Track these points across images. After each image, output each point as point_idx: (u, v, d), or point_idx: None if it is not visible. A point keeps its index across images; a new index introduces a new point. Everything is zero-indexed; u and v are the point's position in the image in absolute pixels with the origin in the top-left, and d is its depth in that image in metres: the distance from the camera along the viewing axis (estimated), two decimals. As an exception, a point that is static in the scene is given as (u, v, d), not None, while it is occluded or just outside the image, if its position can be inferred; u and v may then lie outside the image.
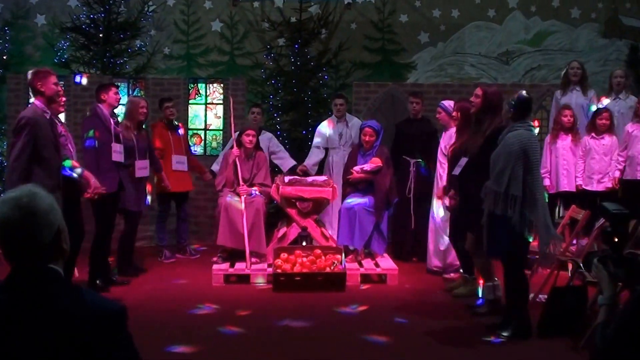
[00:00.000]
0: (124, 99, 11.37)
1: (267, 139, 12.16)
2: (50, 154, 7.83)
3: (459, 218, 8.87)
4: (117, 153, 9.46)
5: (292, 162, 12.23)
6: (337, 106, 12.09)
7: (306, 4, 14.75)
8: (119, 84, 12.60)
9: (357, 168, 10.68)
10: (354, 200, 10.58)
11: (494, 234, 7.44)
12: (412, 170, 11.34)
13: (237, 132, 11.01)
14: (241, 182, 10.64)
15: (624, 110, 11.55)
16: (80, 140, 9.69)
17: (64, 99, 8.74)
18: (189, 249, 11.73)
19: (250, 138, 10.85)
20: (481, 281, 8.70)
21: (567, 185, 11.11)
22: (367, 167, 10.60)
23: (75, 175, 8.55)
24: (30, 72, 8.12)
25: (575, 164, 11.11)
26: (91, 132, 9.37)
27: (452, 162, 8.99)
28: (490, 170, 7.43)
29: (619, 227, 4.18)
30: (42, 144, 7.76)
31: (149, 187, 10.80)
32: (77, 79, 12.10)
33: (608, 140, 11.00)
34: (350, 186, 10.85)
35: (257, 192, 10.74)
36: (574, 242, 9.56)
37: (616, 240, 4.09)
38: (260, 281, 9.98)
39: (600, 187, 11.02)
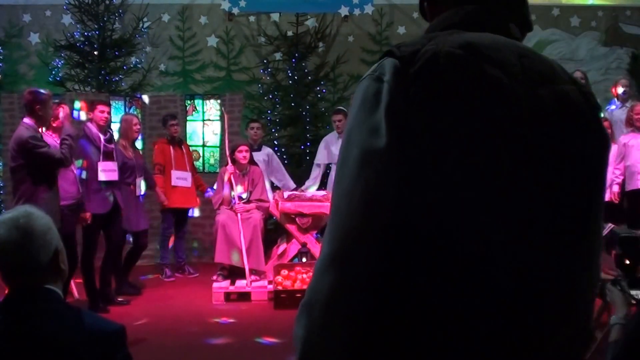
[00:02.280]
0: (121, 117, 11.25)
1: (267, 154, 12.06)
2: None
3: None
4: (106, 172, 9.32)
5: (293, 185, 12.12)
6: (336, 122, 11.98)
7: (303, 17, 14.69)
8: (116, 101, 12.53)
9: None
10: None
11: None
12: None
13: (230, 150, 10.92)
14: (237, 200, 10.58)
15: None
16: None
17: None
18: (187, 268, 11.62)
19: (244, 154, 10.78)
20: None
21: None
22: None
23: (84, 176, 9.00)
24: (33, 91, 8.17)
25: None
26: (79, 163, 9.25)
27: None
28: None
29: (630, 250, 4.12)
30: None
31: None
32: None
33: (612, 149, 10.85)
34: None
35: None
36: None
37: (628, 263, 4.02)
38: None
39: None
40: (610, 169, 10.80)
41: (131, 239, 10.46)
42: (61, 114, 8.43)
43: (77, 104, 12.07)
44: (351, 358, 1.74)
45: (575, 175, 1.81)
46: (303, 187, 11.97)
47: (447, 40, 1.79)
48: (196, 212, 12.54)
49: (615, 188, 10.83)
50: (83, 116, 11.76)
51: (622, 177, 10.82)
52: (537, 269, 1.76)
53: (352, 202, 1.72)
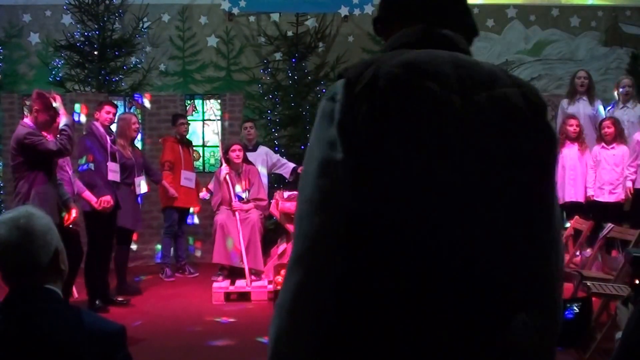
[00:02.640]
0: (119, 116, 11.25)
1: (263, 153, 12.06)
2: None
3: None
4: (113, 172, 9.38)
5: (292, 165, 12.08)
6: None
7: (303, 17, 14.67)
8: (115, 101, 12.53)
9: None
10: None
11: None
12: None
13: (224, 150, 10.93)
14: (235, 199, 10.58)
15: (634, 119, 11.45)
16: (75, 162, 9.56)
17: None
18: (187, 268, 11.61)
19: (237, 153, 10.82)
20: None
21: (574, 195, 10.96)
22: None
23: (92, 167, 9.13)
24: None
25: (582, 173, 10.96)
26: (83, 160, 9.27)
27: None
28: None
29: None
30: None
31: None
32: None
33: (619, 150, 10.84)
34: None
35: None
36: (578, 253, 9.44)
37: (637, 282, 4.05)
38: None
39: (611, 198, 10.87)
40: (625, 165, 10.82)
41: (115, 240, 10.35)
42: (56, 104, 8.42)
43: (77, 107, 12.08)
44: (317, 352, 1.99)
45: (513, 167, 2.03)
46: None
47: (387, 61, 2.07)
48: (196, 219, 12.52)
49: (629, 184, 10.82)
50: (83, 119, 11.75)
51: (635, 175, 10.80)
52: (480, 260, 1.99)
53: (312, 208, 2.00)
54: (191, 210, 12.11)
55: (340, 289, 1.98)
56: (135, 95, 12.86)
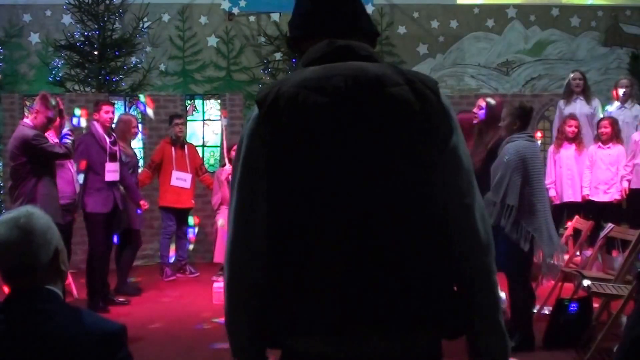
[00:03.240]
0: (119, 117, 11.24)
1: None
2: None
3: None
4: (112, 172, 9.34)
5: None
6: None
7: (303, 17, 14.64)
8: (115, 101, 12.51)
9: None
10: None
11: (497, 246, 7.27)
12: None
13: (227, 149, 10.93)
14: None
15: (629, 120, 11.40)
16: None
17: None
18: (188, 268, 11.60)
19: None
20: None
21: (572, 195, 10.94)
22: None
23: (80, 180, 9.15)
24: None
25: (580, 173, 10.95)
26: (76, 166, 9.29)
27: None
28: (491, 181, 7.34)
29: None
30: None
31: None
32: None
33: (615, 150, 10.81)
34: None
35: None
36: (578, 253, 9.43)
37: None
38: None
39: (605, 198, 10.85)
40: (621, 165, 10.81)
41: (117, 240, 10.35)
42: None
43: (77, 111, 12.08)
44: (252, 322, 2.53)
45: (409, 149, 2.45)
46: None
47: (288, 82, 2.48)
48: (193, 221, 12.48)
49: (625, 184, 10.79)
50: (83, 123, 11.74)
51: (631, 175, 10.79)
52: (368, 226, 2.41)
53: (236, 214, 2.55)
54: (191, 222, 12.09)
55: (269, 269, 2.48)
56: (139, 103, 12.81)
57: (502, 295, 8.26)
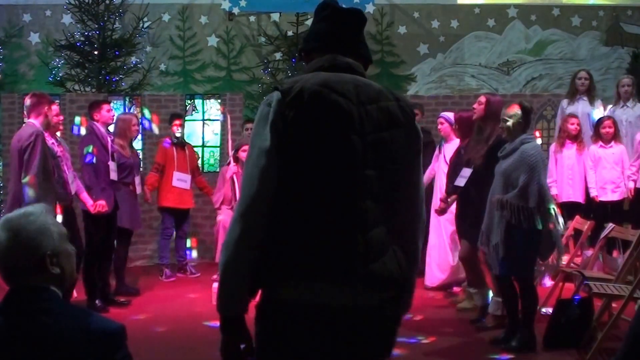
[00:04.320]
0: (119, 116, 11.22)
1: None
2: (51, 168, 8.16)
3: (457, 227, 8.91)
4: (113, 171, 9.37)
5: None
6: None
7: (303, 17, 14.65)
8: (115, 101, 12.51)
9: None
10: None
11: (512, 250, 7.23)
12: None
13: (234, 149, 10.90)
14: (238, 199, 10.53)
15: (632, 119, 11.39)
16: (79, 158, 9.54)
17: (61, 117, 9.07)
18: (189, 268, 11.58)
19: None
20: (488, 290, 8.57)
21: (572, 195, 10.93)
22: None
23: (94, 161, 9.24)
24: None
25: (580, 173, 10.92)
26: (90, 148, 9.26)
27: (453, 172, 8.87)
28: (503, 183, 7.35)
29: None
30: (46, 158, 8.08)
31: None
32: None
33: (617, 148, 10.81)
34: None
35: None
36: (579, 253, 9.43)
37: None
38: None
39: (614, 197, 10.84)
40: (626, 164, 10.81)
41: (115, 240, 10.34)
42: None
43: (77, 119, 12.08)
44: (252, 274, 3.08)
45: (392, 151, 3.20)
46: None
47: (310, 80, 3.15)
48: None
49: (631, 185, 10.78)
50: (83, 131, 11.70)
51: (637, 175, 10.77)
52: (364, 207, 3.14)
53: (253, 179, 3.08)
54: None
55: (269, 230, 3.08)
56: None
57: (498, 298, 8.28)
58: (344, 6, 3.46)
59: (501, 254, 7.28)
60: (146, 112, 12.56)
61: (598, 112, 11.50)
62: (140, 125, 11.08)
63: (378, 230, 3.16)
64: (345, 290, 3.06)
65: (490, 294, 8.45)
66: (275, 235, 3.08)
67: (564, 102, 11.78)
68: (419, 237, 3.41)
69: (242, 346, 3.15)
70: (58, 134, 9.15)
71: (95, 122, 9.46)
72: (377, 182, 3.16)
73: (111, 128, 9.89)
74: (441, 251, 10.29)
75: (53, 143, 8.58)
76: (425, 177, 10.44)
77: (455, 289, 10.14)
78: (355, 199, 3.11)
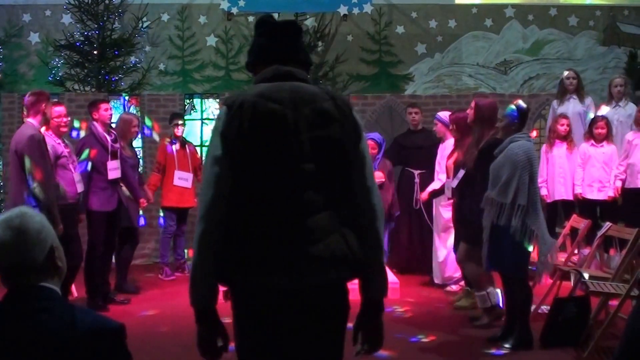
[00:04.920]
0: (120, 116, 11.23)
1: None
2: (51, 168, 8.22)
3: (456, 229, 8.92)
4: (114, 170, 9.38)
5: None
6: None
7: (302, 17, 14.71)
8: (114, 100, 12.54)
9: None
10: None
11: (497, 246, 7.32)
12: (417, 182, 11.20)
13: None
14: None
15: (624, 119, 11.44)
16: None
17: (65, 119, 9.01)
18: (187, 267, 11.59)
19: None
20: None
21: (564, 193, 10.99)
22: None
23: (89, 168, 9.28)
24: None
25: (571, 171, 10.99)
26: (85, 154, 9.29)
27: (454, 173, 8.92)
28: (492, 181, 7.39)
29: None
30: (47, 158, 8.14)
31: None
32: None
33: (608, 148, 10.88)
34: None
35: None
36: (576, 251, 9.47)
37: None
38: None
39: (600, 196, 10.89)
40: (614, 164, 10.85)
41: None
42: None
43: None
44: (214, 269, 3.48)
45: (331, 145, 3.53)
46: None
47: (249, 93, 3.57)
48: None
49: (619, 184, 10.84)
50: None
51: (625, 174, 10.82)
52: (304, 197, 3.48)
53: (209, 184, 3.47)
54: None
55: (228, 226, 3.48)
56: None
57: (498, 291, 8.33)
58: (278, 20, 3.99)
59: (486, 250, 7.39)
60: (147, 120, 12.59)
61: (592, 112, 11.56)
62: (141, 126, 11.09)
63: (320, 216, 3.50)
64: (292, 272, 3.44)
65: (499, 292, 8.44)
66: (234, 230, 3.48)
67: (555, 102, 11.85)
68: (374, 222, 3.62)
69: (219, 342, 3.57)
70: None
71: (94, 123, 9.47)
72: (317, 174, 3.50)
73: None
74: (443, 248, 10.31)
75: (59, 143, 8.65)
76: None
77: (453, 287, 10.18)
78: (294, 191, 3.47)
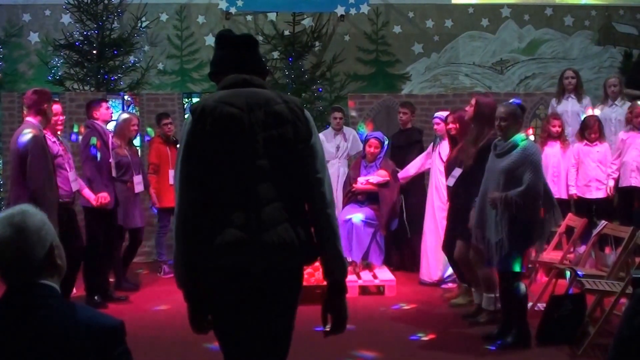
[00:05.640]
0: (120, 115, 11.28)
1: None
2: (52, 167, 8.17)
3: (451, 228, 8.91)
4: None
5: None
6: (337, 119, 12.05)
7: (299, 16, 14.78)
8: (113, 100, 12.60)
9: (362, 179, 10.58)
10: (351, 213, 10.45)
11: (514, 246, 7.23)
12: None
13: None
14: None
15: (621, 117, 11.45)
16: (83, 152, 9.49)
17: (62, 118, 9.09)
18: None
19: None
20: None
21: (557, 192, 11.01)
22: (372, 179, 10.50)
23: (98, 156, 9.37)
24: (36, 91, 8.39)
25: (566, 170, 11.05)
26: (94, 140, 9.35)
27: (447, 172, 8.95)
28: (506, 180, 7.22)
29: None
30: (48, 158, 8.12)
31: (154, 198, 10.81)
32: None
33: (601, 147, 10.92)
34: (348, 197, 10.77)
35: None
36: (572, 250, 9.52)
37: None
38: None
39: (598, 195, 10.93)
40: (608, 162, 10.92)
41: (127, 236, 10.45)
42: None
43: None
44: (188, 261, 3.89)
45: (284, 143, 3.91)
46: None
47: (209, 99, 3.98)
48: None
49: (611, 183, 10.87)
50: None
51: (617, 173, 10.87)
52: (258, 189, 3.87)
53: (181, 184, 3.90)
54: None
55: (200, 218, 3.87)
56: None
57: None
58: (236, 34, 4.27)
59: (507, 250, 7.18)
60: (149, 130, 12.65)
61: (586, 112, 11.61)
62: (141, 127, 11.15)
63: (271, 206, 3.89)
64: (247, 256, 3.84)
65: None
66: (199, 220, 3.88)
67: (554, 101, 11.89)
68: (326, 209, 3.99)
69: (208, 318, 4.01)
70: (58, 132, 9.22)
71: (94, 121, 9.51)
72: (270, 169, 3.90)
73: (110, 126, 10.00)
74: (437, 247, 10.35)
75: (55, 142, 8.67)
76: (414, 170, 10.79)
77: (450, 284, 10.24)
78: (248, 184, 3.87)
